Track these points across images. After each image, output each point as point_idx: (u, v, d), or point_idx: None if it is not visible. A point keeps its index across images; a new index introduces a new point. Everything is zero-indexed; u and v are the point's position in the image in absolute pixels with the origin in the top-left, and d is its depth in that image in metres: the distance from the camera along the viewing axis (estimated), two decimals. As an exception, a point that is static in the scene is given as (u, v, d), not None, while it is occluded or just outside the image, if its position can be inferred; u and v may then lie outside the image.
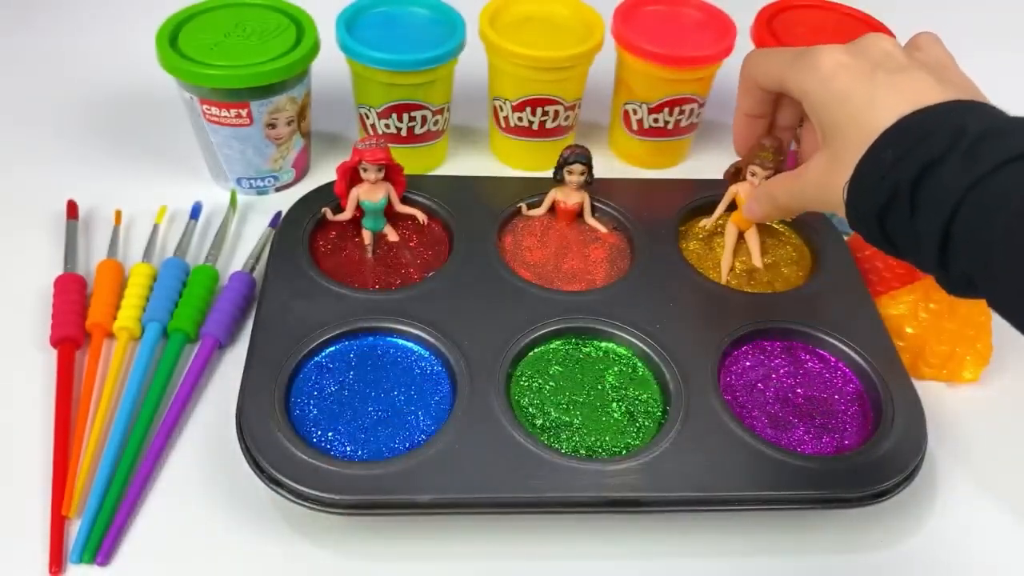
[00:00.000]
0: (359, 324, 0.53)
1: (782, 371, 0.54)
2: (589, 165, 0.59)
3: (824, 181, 0.44)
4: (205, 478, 0.49)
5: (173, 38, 0.62)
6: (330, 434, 0.49)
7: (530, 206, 0.63)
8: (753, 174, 0.56)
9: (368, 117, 0.67)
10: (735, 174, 0.59)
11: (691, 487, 0.47)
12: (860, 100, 0.42)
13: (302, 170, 0.69)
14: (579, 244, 0.61)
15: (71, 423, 0.50)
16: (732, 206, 0.61)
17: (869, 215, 0.40)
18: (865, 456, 0.49)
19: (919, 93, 0.40)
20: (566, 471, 0.46)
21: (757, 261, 0.60)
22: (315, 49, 0.63)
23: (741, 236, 0.61)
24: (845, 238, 0.63)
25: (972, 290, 0.39)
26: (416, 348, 0.53)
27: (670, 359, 0.52)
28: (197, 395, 0.53)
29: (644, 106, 0.69)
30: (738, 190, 0.59)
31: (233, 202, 0.65)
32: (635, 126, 0.71)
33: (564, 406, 0.51)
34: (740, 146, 0.55)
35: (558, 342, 0.54)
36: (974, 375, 0.58)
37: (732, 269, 0.60)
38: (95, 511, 0.47)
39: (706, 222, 0.62)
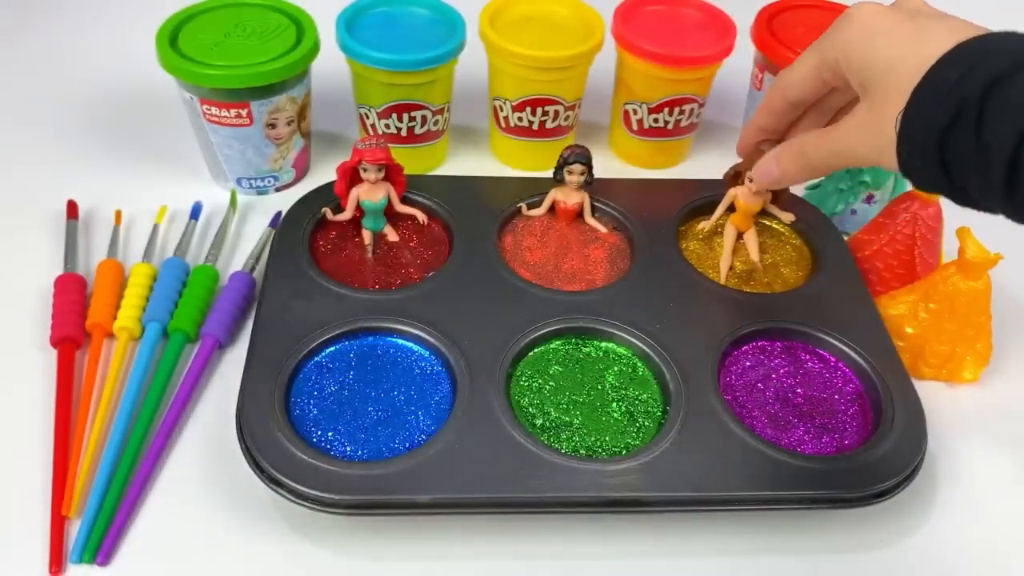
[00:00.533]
0: (359, 324, 0.53)
1: (782, 371, 0.54)
2: (589, 165, 0.59)
3: (867, 123, 0.43)
4: (205, 478, 0.49)
5: (173, 38, 0.62)
6: (330, 434, 0.49)
7: (530, 206, 0.63)
8: (751, 180, 0.57)
9: (368, 117, 0.67)
10: (734, 177, 0.59)
11: (691, 487, 0.47)
12: (904, 35, 0.41)
13: (302, 170, 0.69)
14: (579, 244, 0.61)
15: (71, 423, 0.50)
16: (731, 209, 0.61)
17: (928, 142, 0.39)
18: (865, 456, 0.48)
19: (966, 28, 0.40)
20: (566, 471, 0.46)
21: (755, 255, 0.60)
22: (315, 49, 0.63)
23: (740, 237, 0.61)
24: (845, 238, 0.63)
25: None
26: (416, 348, 0.53)
27: (670, 359, 0.52)
28: (197, 395, 0.53)
29: (644, 106, 0.69)
30: (737, 193, 0.59)
31: (233, 202, 0.65)
32: (635, 126, 0.71)
33: (564, 406, 0.51)
34: (743, 152, 0.56)
35: (558, 342, 0.54)
36: (974, 375, 0.58)
37: (732, 268, 0.60)
38: (95, 511, 0.47)
39: (705, 224, 0.62)
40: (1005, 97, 0.37)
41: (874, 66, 0.42)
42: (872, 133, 0.42)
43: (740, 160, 0.59)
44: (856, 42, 0.43)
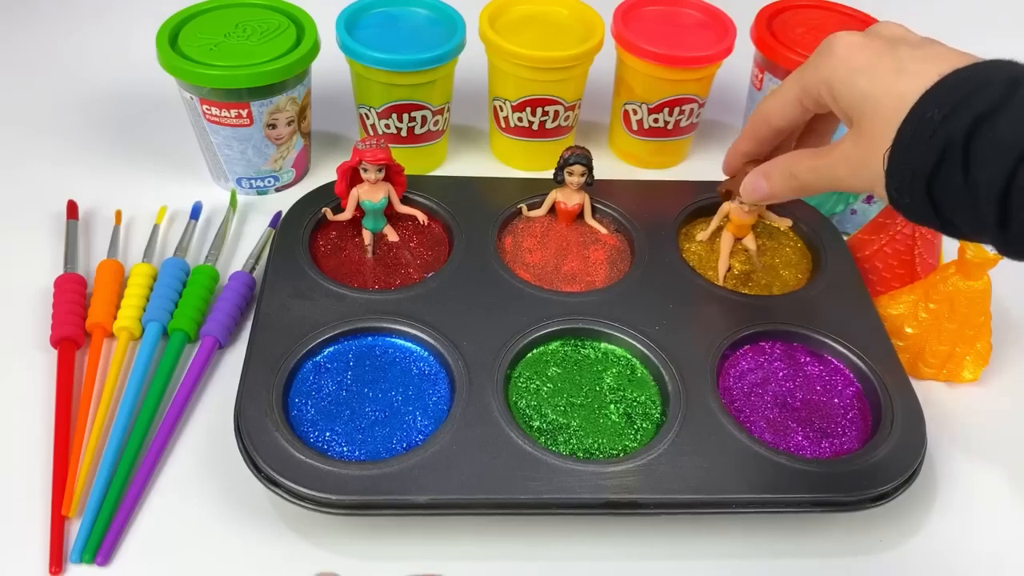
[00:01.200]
0: (358, 324, 0.53)
1: (781, 374, 0.54)
2: (589, 167, 0.59)
3: (856, 158, 0.42)
4: (205, 478, 0.50)
5: (173, 38, 0.62)
6: (328, 434, 0.49)
7: (530, 207, 0.63)
8: (742, 202, 0.57)
9: (368, 117, 0.67)
10: (726, 195, 0.59)
11: (689, 489, 0.47)
12: (886, 70, 0.40)
13: (302, 170, 0.70)
14: (579, 245, 0.61)
15: (71, 423, 0.51)
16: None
17: (916, 181, 0.38)
18: (864, 460, 0.48)
19: (948, 59, 0.39)
20: (564, 472, 0.46)
21: (752, 245, 0.60)
22: (315, 49, 0.63)
23: (738, 241, 0.61)
24: (845, 238, 0.63)
25: None
26: (415, 348, 0.53)
27: (669, 361, 0.52)
28: (197, 395, 0.54)
29: (644, 106, 0.69)
30: (730, 209, 0.59)
31: (233, 202, 0.65)
32: (635, 126, 0.71)
33: (562, 408, 0.51)
34: (729, 174, 0.55)
35: (557, 343, 0.54)
36: (974, 375, 0.58)
37: (730, 270, 0.60)
38: (95, 511, 0.47)
39: (702, 235, 0.62)
40: (990, 137, 0.36)
41: (857, 102, 0.41)
42: (861, 167, 0.42)
43: (730, 178, 0.59)
44: (838, 79, 0.42)
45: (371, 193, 0.58)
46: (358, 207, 0.58)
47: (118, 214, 0.63)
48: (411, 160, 0.66)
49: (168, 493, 0.49)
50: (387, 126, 0.67)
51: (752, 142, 0.52)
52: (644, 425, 0.51)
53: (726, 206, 0.59)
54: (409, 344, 0.53)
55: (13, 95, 0.76)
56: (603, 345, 0.55)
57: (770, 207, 0.60)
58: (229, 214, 0.64)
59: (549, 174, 0.61)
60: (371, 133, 0.68)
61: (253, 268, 0.60)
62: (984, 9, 0.93)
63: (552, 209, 0.62)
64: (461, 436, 0.48)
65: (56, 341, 0.54)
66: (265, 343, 0.51)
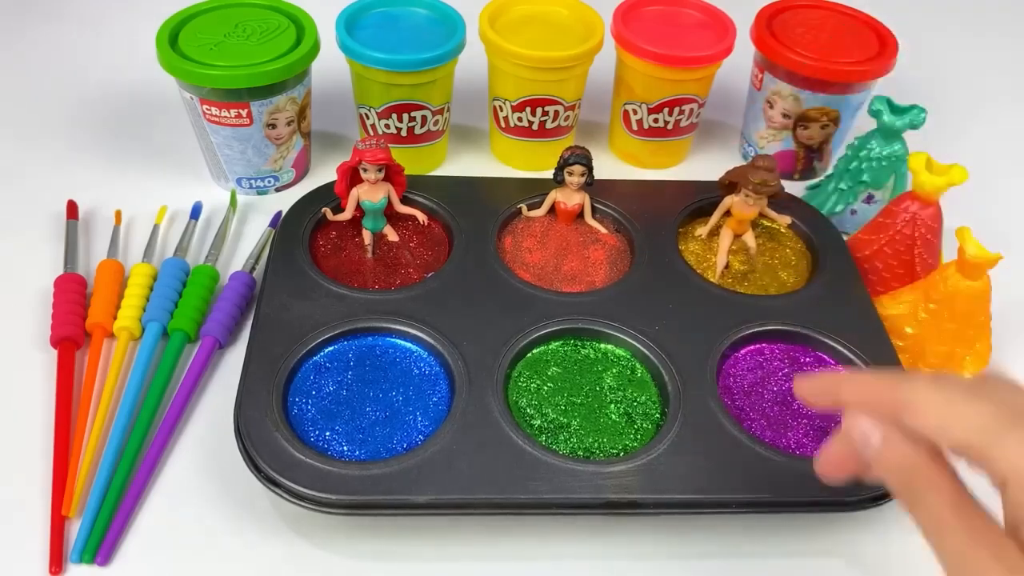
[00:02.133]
0: (358, 324, 0.53)
1: (781, 374, 0.54)
2: (589, 167, 0.59)
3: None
4: (205, 478, 0.50)
5: (173, 38, 0.62)
6: (328, 434, 0.49)
7: (530, 207, 0.63)
8: (747, 196, 0.57)
9: (368, 117, 0.67)
10: (728, 186, 0.59)
11: (689, 489, 0.47)
12: None
13: (302, 170, 0.70)
14: (579, 245, 0.61)
15: (71, 423, 0.51)
16: (727, 213, 0.61)
17: None
18: (863, 457, 0.48)
19: None
20: (564, 472, 0.46)
21: (753, 251, 0.60)
22: (315, 49, 0.63)
23: (738, 237, 0.61)
24: (845, 238, 0.63)
25: None
26: (415, 348, 0.53)
27: (669, 361, 0.52)
28: (197, 395, 0.54)
29: (644, 106, 0.69)
30: (732, 202, 0.59)
31: (233, 202, 0.65)
32: (635, 126, 0.71)
33: (562, 407, 0.51)
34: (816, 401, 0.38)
35: (557, 343, 0.54)
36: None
37: (728, 267, 0.60)
38: (95, 511, 0.47)
39: (702, 231, 0.62)
40: None
41: None
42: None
43: (733, 168, 0.59)
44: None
45: (371, 193, 0.58)
46: (358, 207, 0.58)
47: (118, 214, 0.63)
48: (411, 160, 0.66)
49: (168, 493, 0.49)
50: (387, 126, 0.67)
51: (857, 402, 0.36)
52: (644, 425, 0.51)
53: (728, 200, 0.60)
54: (409, 344, 0.53)
55: (13, 95, 0.76)
56: (603, 345, 0.55)
57: (770, 204, 0.60)
58: (229, 214, 0.64)
59: (549, 174, 0.61)
60: (371, 133, 0.68)
61: (253, 268, 0.60)
62: (983, 9, 0.93)
63: (552, 209, 0.62)
64: (461, 436, 0.48)
65: (56, 341, 0.54)
66: (265, 343, 0.52)
